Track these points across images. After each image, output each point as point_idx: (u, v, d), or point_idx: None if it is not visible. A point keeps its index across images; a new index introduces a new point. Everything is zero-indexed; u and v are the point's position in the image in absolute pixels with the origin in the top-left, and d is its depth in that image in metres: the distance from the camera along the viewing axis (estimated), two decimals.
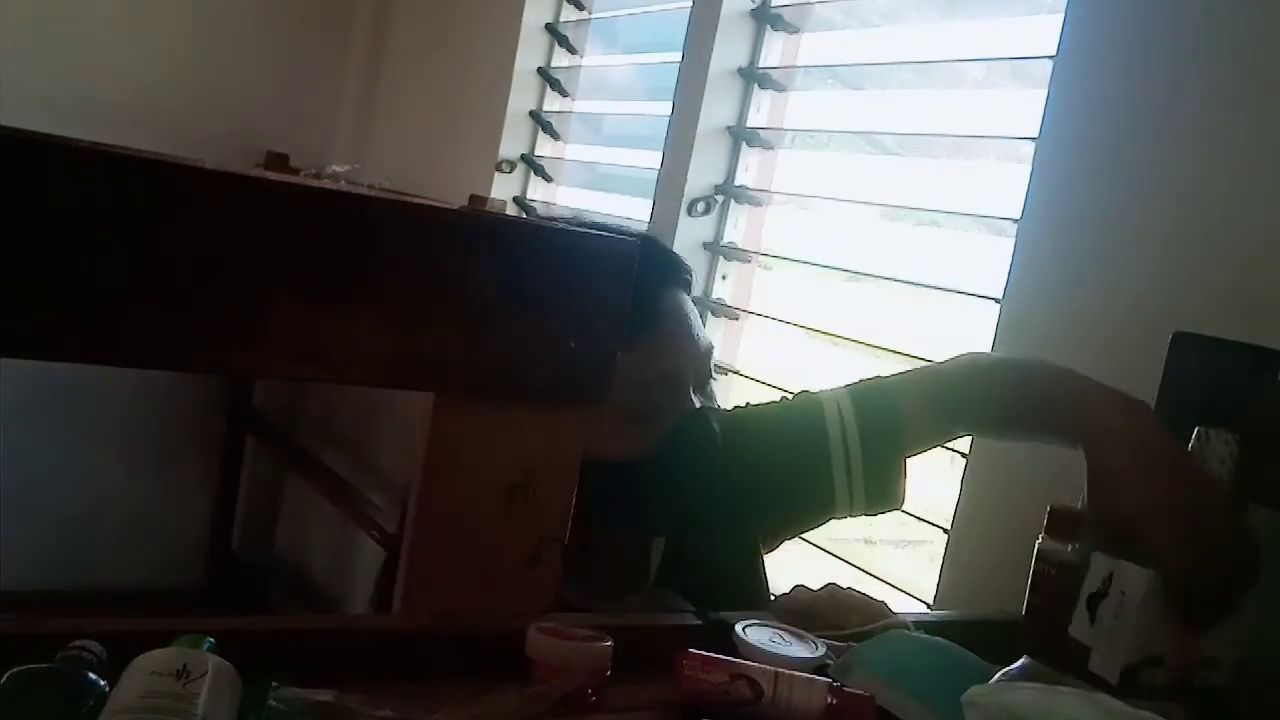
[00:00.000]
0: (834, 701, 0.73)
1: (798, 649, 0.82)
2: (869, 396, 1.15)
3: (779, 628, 0.85)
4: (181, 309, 0.69)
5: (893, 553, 1.44)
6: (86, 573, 2.83)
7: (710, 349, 1.08)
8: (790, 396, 1.23)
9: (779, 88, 1.96)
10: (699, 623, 0.86)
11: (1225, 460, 0.96)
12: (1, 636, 0.64)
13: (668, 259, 1.11)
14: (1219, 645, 0.91)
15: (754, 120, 1.97)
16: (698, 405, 1.05)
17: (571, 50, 2.52)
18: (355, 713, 0.64)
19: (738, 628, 0.83)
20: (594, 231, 0.88)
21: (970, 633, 1.01)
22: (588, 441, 0.88)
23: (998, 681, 0.77)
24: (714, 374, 1.10)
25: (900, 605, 1.50)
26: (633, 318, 0.89)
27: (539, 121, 2.54)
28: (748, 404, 1.24)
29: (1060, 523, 0.97)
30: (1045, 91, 1.37)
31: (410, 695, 0.67)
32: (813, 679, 0.75)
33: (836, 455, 1.13)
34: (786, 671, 0.76)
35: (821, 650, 0.82)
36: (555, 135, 2.53)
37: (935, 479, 1.36)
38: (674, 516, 1.07)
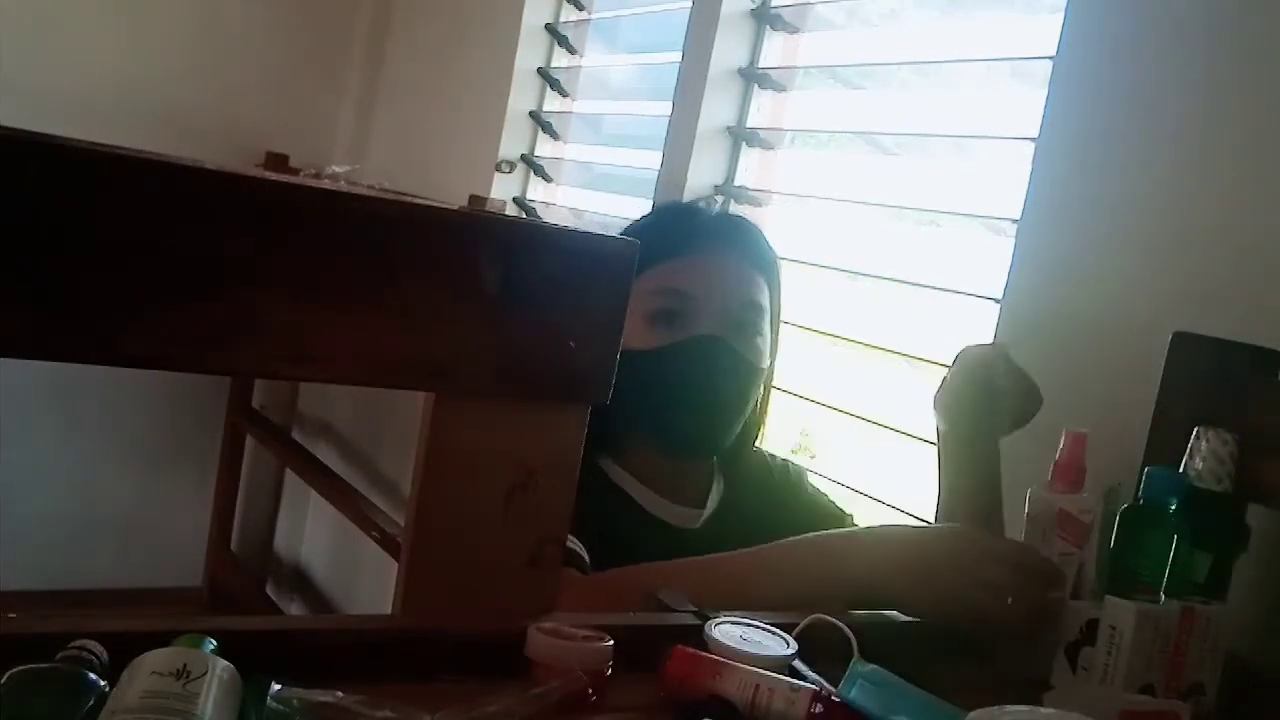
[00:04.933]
0: (819, 710, 0.73)
1: (769, 646, 0.82)
2: None
3: (750, 624, 0.85)
4: (181, 309, 0.69)
5: None
6: (86, 573, 2.83)
7: (748, 304, 1.22)
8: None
9: (779, 88, 1.96)
10: (698, 622, 0.85)
11: (1225, 460, 0.96)
12: (1, 636, 0.64)
13: (751, 235, 1.27)
14: (1204, 673, 0.91)
15: (754, 120, 1.97)
16: (720, 336, 1.19)
17: (571, 50, 2.52)
18: (355, 713, 0.64)
19: (708, 625, 0.83)
20: (593, 232, 0.88)
21: (968, 632, 1.01)
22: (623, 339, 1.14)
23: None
24: (761, 332, 1.23)
25: None
26: (672, 243, 1.20)
27: (539, 121, 2.54)
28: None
29: (1072, 527, 0.97)
30: (1045, 91, 1.37)
31: (410, 695, 0.67)
32: (797, 685, 0.75)
33: None
34: (770, 675, 0.76)
35: (793, 648, 0.82)
36: (555, 135, 2.53)
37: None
38: (673, 422, 1.20)
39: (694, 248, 1.22)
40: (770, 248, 1.28)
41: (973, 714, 0.71)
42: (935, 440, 1.18)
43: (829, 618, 0.87)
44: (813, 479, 1.39)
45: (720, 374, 1.19)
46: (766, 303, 1.25)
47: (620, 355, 1.18)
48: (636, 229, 1.31)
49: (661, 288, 1.19)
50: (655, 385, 1.17)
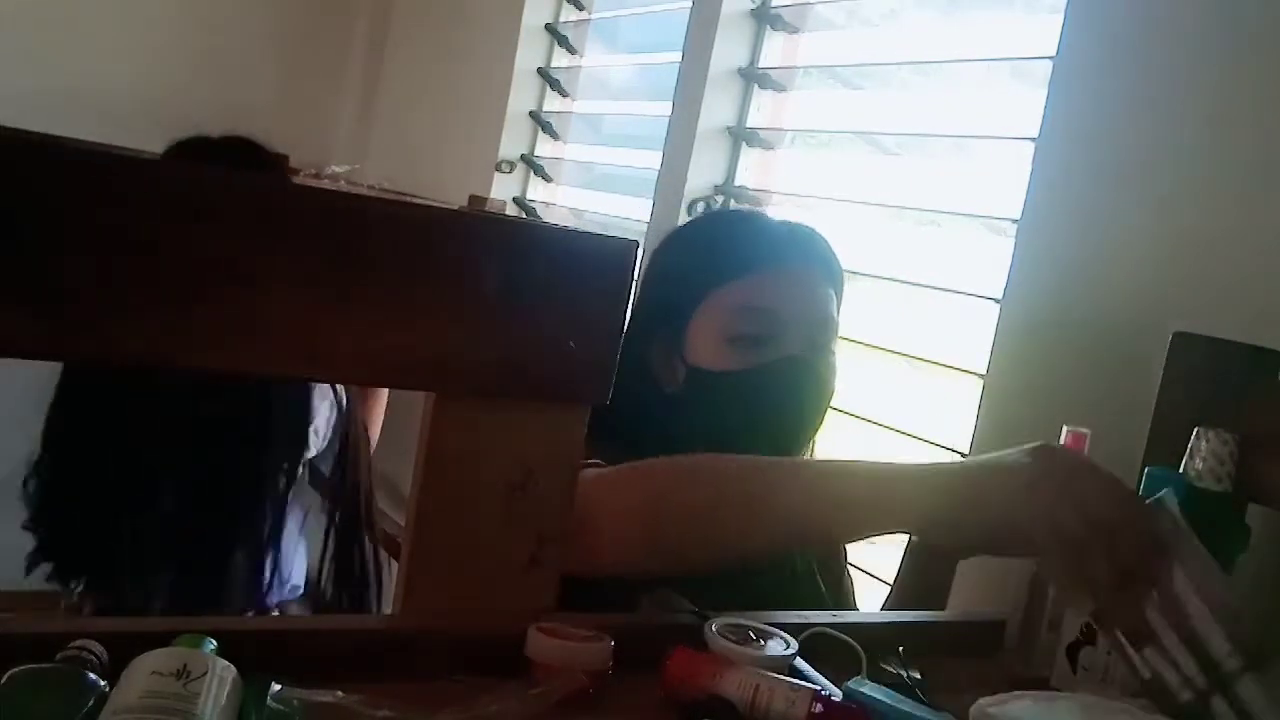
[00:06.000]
0: (819, 710, 0.73)
1: (769, 646, 0.82)
2: None
3: (751, 625, 0.85)
4: (181, 309, 0.69)
5: (894, 552, 1.44)
6: None
7: (825, 321, 1.17)
8: None
9: (779, 88, 1.96)
10: (698, 622, 0.85)
11: (1225, 460, 0.96)
12: (1, 636, 0.64)
13: (822, 247, 1.21)
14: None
15: (754, 120, 1.97)
16: (806, 358, 1.14)
17: (571, 50, 2.53)
18: (355, 713, 0.64)
19: (708, 625, 0.83)
20: (593, 232, 0.88)
21: (968, 632, 1.01)
22: (696, 353, 1.14)
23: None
24: (833, 350, 1.18)
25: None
26: (751, 257, 1.15)
27: (539, 121, 2.54)
28: None
29: None
30: (1045, 91, 1.37)
31: (410, 695, 0.67)
32: (797, 685, 0.75)
33: None
34: (770, 675, 0.76)
35: (794, 648, 0.82)
36: (555, 135, 2.53)
37: None
38: (752, 444, 1.10)
39: (772, 260, 1.16)
40: (838, 258, 1.23)
41: (981, 700, 0.72)
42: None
43: (830, 630, 0.87)
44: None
45: (805, 397, 1.14)
46: (837, 317, 1.21)
47: (696, 374, 1.14)
48: (699, 239, 1.26)
49: (745, 306, 1.14)
50: (738, 407, 1.12)
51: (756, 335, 1.13)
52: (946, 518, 0.86)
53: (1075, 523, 0.77)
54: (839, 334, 1.21)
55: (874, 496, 0.90)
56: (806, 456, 1.08)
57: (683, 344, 1.16)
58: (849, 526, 0.94)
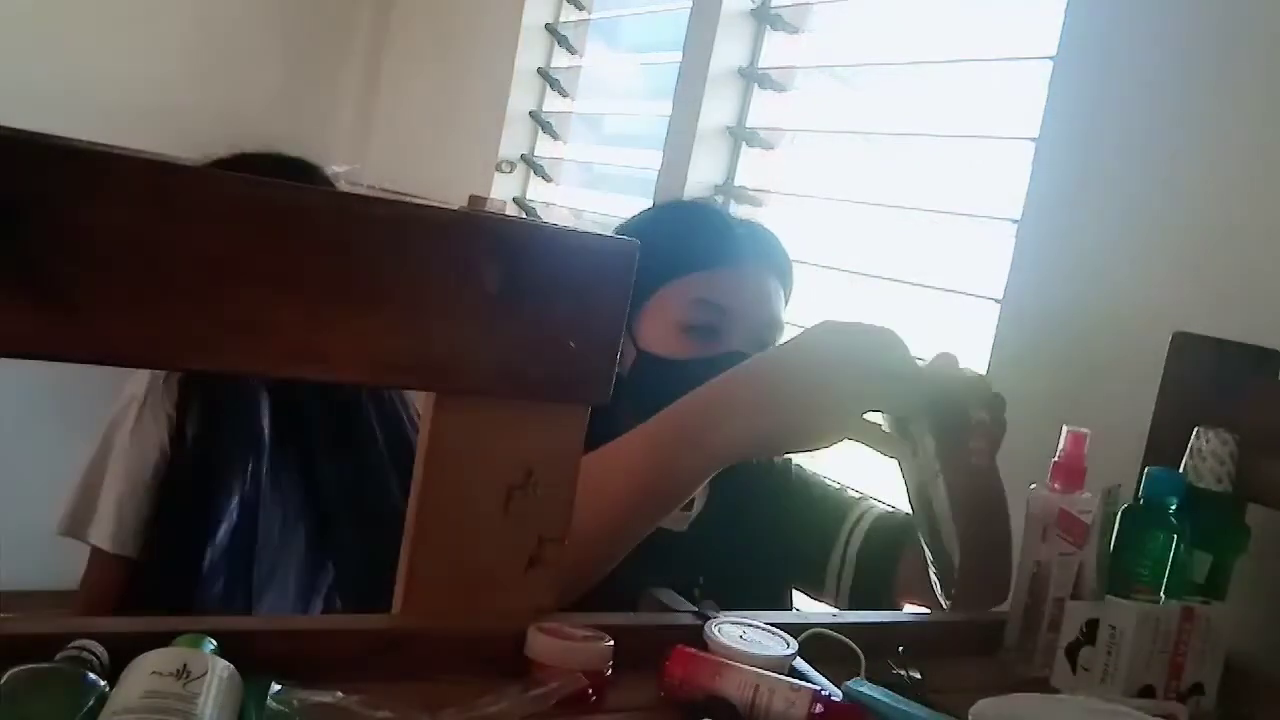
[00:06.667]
0: (819, 710, 0.73)
1: (769, 646, 0.82)
2: (880, 532, 1.26)
3: (752, 624, 0.85)
4: (181, 309, 0.69)
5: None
6: None
7: (773, 323, 1.23)
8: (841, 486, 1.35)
9: (779, 88, 1.96)
10: (698, 622, 0.85)
11: (1225, 460, 0.96)
12: (1, 636, 0.64)
13: (778, 250, 1.28)
14: (1204, 673, 0.91)
15: (754, 120, 1.97)
16: (749, 354, 1.16)
17: (571, 50, 2.53)
18: (355, 713, 0.64)
19: (708, 625, 0.83)
20: (593, 232, 0.88)
21: (968, 632, 1.01)
22: (648, 338, 1.20)
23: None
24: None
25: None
26: (711, 254, 1.22)
27: (539, 121, 2.54)
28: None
29: (1072, 526, 0.97)
30: (1045, 91, 1.37)
31: (410, 695, 0.67)
32: (797, 685, 0.75)
33: (834, 561, 1.27)
34: (770, 675, 0.76)
35: (794, 648, 0.82)
36: (555, 135, 2.53)
37: None
38: None
39: (732, 260, 1.23)
40: (790, 261, 1.29)
41: (981, 701, 0.72)
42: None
43: (830, 630, 0.87)
44: (803, 466, 1.38)
45: None
46: (783, 318, 1.26)
47: (646, 358, 1.19)
48: (661, 228, 1.29)
49: (701, 299, 1.20)
50: (684, 394, 1.12)
51: (709, 327, 1.19)
52: (765, 442, 0.99)
53: (881, 397, 0.93)
54: (782, 334, 1.26)
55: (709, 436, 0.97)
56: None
57: (635, 328, 1.21)
58: (706, 460, 1.00)
